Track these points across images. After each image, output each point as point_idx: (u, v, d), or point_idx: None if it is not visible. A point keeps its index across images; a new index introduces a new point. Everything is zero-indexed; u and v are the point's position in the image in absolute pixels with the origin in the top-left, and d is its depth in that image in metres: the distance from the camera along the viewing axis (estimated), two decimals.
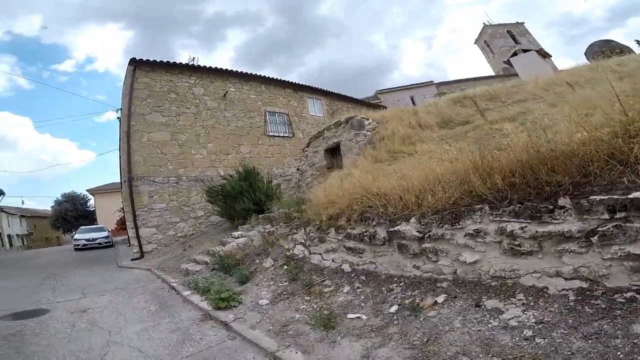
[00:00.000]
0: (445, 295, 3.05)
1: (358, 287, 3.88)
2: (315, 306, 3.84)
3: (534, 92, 8.03)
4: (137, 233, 10.70)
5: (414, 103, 22.29)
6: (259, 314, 3.98)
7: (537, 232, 2.54)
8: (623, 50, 16.35)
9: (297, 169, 11.39)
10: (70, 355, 3.32)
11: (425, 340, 2.59)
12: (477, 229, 2.94)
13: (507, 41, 35.48)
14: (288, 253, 5.58)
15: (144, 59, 11.81)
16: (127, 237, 14.98)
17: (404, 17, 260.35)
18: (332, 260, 4.65)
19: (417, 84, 27.63)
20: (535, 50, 15.62)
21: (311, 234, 5.17)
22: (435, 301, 3.04)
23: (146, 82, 11.82)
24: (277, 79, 15.80)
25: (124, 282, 7.23)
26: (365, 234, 4.01)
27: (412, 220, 3.47)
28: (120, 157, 11.98)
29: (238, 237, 6.82)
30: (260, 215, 7.63)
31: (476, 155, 3.19)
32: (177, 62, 12.79)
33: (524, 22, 36.75)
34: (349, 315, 3.35)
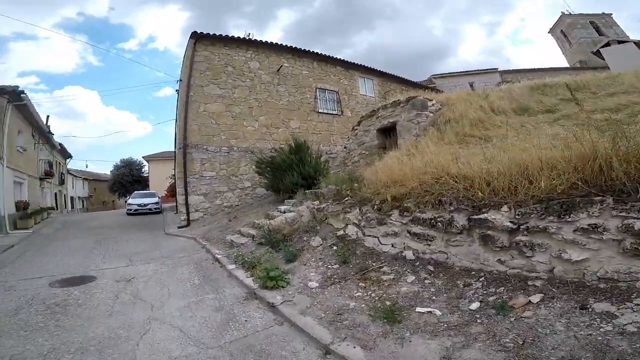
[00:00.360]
0: (540, 294, 2.66)
1: (425, 278, 3.47)
2: (373, 295, 3.48)
3: (634, 85, 6.82)
4: (187, 200, 11.04)
5: (473, 90, 20.61)
6: (308, 297, 3.68)
7: None
8: None
9: (344, 147, 11.01)
10: (109, 332, 3.20)
11: (521, 342, 2.24)
12: (594, 224, 2.51)
13: (588, 32, 31.78)
14: (338, 233, 5.27)
15: (205, 33, 11.93)
16: (175, 204, 15.57)
17: (467, 1, 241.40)
18: (392, 245, 4.26)
19: (477, 70, 25.60)
20: (634, 42, 13.43)
21: (368, 215, 4.79)
22: (529, 301, 2.63)
23: (205, 55, 12.02)
24: (329, 56, 15.31)
25: (169, 250, 7.41)
26: (438, 219, 3.55)
27: (504, 208, 2.97)
28: (176, 126, 12.36)
29: (285, 212, 6.63)
30: (307, 191, 7.42)
31: (606, 141, 2.62)
32: (235, 36, 12.78)
33: (612, 14, 32.55)
34: (418, 309, 2.97)
